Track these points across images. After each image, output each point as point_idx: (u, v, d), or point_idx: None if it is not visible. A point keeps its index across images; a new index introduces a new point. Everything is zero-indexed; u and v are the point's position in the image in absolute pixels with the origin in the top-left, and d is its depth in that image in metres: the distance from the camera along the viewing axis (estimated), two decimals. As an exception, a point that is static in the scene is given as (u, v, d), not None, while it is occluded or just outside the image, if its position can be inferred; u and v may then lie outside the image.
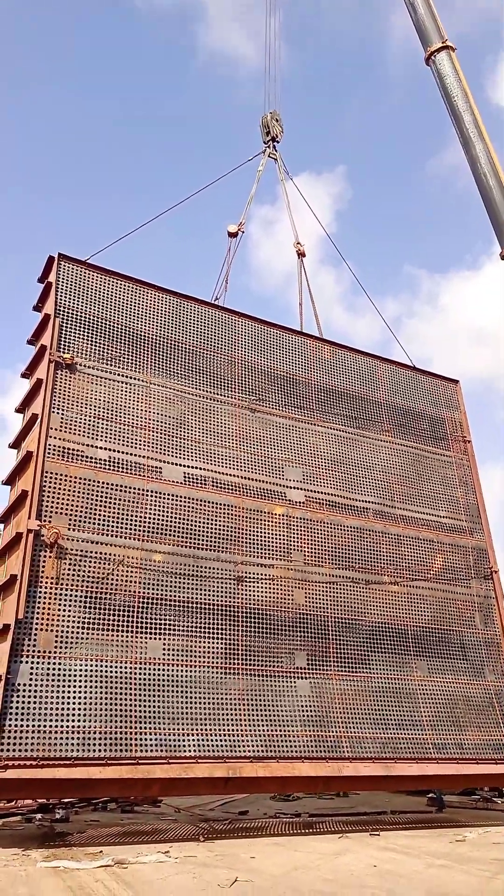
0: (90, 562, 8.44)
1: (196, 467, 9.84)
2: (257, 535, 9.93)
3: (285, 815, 9.88)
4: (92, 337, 9.72)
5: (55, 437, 8.79)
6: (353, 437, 11.77)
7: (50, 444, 8.69)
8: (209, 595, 9.16)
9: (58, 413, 8.97)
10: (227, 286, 12.41)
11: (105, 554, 8.59)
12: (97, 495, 8.83)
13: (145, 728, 7.95)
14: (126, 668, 8.18)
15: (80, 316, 9.75)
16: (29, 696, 7.40)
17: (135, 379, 9.88)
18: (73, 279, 9.95)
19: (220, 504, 9.80)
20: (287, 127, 14.92)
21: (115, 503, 8.92)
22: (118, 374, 9.75)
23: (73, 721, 7.54)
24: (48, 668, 7.67)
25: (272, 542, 10.03)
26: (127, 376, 9.82)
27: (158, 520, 9.18)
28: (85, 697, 7.74)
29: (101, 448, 9.12)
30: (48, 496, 8.44)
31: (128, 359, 9.92)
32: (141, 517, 9.05)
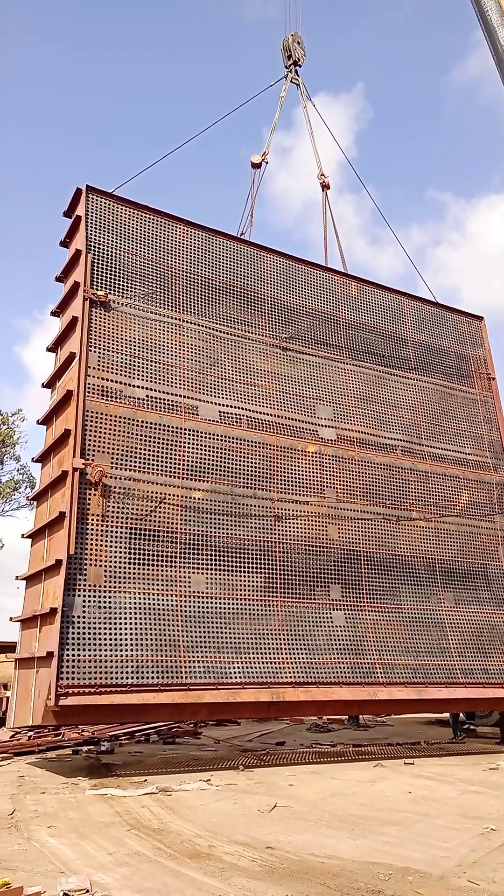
0: (133, 499, 8.57)
1: (231, 406, 9.87)
2: (292, 473, 10.06)
3: (322, 745, 10.35)
4: (123, 273, 9.58)
5: (94, 376, 8.78)
6: (381, 375, 11.77)
7: (89, 383, 8.69)
8: (248, 531, 9.34)
9: (95, 351, 8.93)
10: (253, 220, 12.13)
11: (147, 492, 8.72)
12: (137, 434, 8.89)
13: (193, 656, 8.25)
14: (172, 600, 8.43)
15: (111, 251, 9.57)
16: (84, 628, 7.65)
17: (167, 317, 9.79)
18: (101, 213, 9.72)
19: (256, 442, 9.88)
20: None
21: (154, 442, 8.99)
22: (151, 312, 9.65)
23: (126, 650, 7.82)
24: (100, 601, 7.90)
25: (306, 479, 10.16)
26: (159, 314, 9.73)
27: (196, 458, 9.27)
28: (136, 628, 8.00)
29: (138, 387, 9.12)
30: (90, 435, 8.50)
31: (159, 296, 9.81)
32: (179, 455, 9.14)
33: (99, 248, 9.48)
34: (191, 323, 9.97)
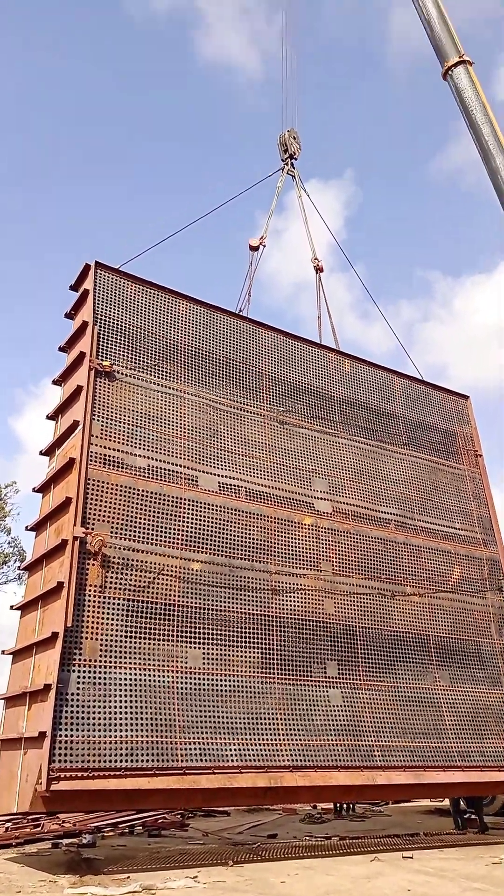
0: (132, 570, 8.42)
1: (230, 477, 9.89)
2: (288, 545, 10.01)
3: (316, 838, 9.88)
4: (127, 345, 9.74)
5: (96, 445, 8.77)
6: (373, 450, 11.95)
7: (92, 451, 8.67)
8: (245, 604, 9.19)
9: (98, 420, 8.95)
10: (250, 299, 12.53)
11: (145, 562, 8.58)
12: (137, 503, 8.82)
13: (189, 737, 7.93)
14: (169, 677, 8.17)
15: (116, 324, 9.76)
16: (78, 706, 7.33)
17: (169, 388, 9.91)
18: (108, 287, 9.95)
19: (253, 514, 9.86)
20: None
21: (154, 511, 8.92)
22: (153, 383, 9.77)
23: (120, 731, 7.49)
24: (95, 678, 7.62)
25: (302, 551, 10.12)
26: (161, 385, 9.85)
27: (195, 529, 9.20)
28: (131, 707, 7.70)
29: (139, 456, 9.12)
30: (91, 503, 8.41)
31: (161, 368, 9.95)
32: (179, 526, 9.06)
33: (105, 320, 9.66)
34: (192, 394, 10.10)
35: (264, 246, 13.21)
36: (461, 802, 11.12)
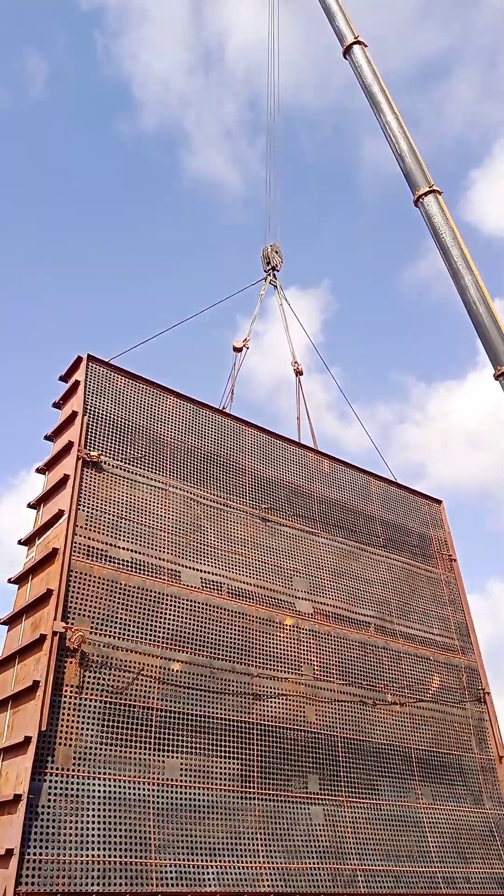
0: (111, 669, 8.02)
1: (212, 573, 9.71)
2: (270, 646, 9.73)
3: None
4: (115, 437, 9.76)
5: (81, 535, 8.58)
6: (353, 551, 11.95)
7: (76, 542, 8.46)
8: (225, 710, 8.78)
9: (83, 510, 8.80)
10: (234, 398, 12.82)
11: (125, 661, 8.20)
12: (119, 598, 8.54)
13: (165, 858, 7.31)
14: (145, 789, 7.62)
15: (105, 415, 9.82)
16: (49, 821, 6.75)
17: (154, 481, 9.88)
18: (98, 379, 10.09)
19: (235, 612, 9.62)
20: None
21: (136, 607, 8.64)
22: (139, 475, 9.73)
23: (92, 850, 6.87)
24: (67, 789, 7.06)
25: (284, 653, 9.83)
26: (147, 477, 9.81)
27: (177, 626, 8.90)
28: (104, 823, 7.12)
29: (123, 549, 8.93)
30: (73, 596, 8.11)
31: (148, 461, 9.96)
32: (161, 623, 8.76)
33: (94, 411, 9.72)
34: (176, 488, 10.07)
35: (248, 348, 13.71)
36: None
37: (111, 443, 9.66)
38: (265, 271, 15.46)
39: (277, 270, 15.51)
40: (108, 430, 9.74)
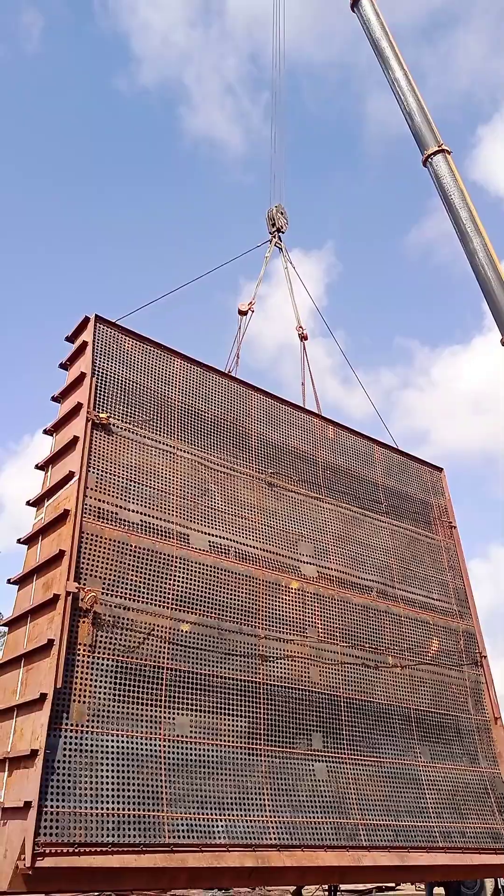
0: (121, 630, 8.10)
1: (220, 536, 9.76)
2: (276, 609, 9.85)
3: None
4: (123, 399, 9.68)
5: (91, 497, 8.57)
6: (356, 516, 12.03)
7: (87, 504, 8.45)
8: (232, 670, 8.92)
9: (93, 472, 8.78)
10: (239, 361, 12.73)
11: (135, 622, 8.28)
12: (129, 560, 8.58)
13: (176, 812, 7.49)
14: (156, 745, 7.76)
15: (112, 377, 9.72)
16: (65, 775, 6.87)
17: (162, 444, 9.84)
18: (106, 340, 9.96)
19: (242, 575, 9.71)
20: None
21: (146, 569, 8.69)
22: (147, 438, 9.69)
23: (107, 803, 7.02)
24: (81, 744, 7.18)
25: (289, 616, 9.96)
26: (155, 441, 9.77)
27: (186, 588, 8.98)
28: (118, 777, 7.26)
29: (133, 511, 8.93)
30: (85, 558, 8.14)
31: (156, 424, 9.91)
32: (170, 585, 8.83)
33: (102, 372, 9.62)
34: (184, 452, 10.05)
35: (253, 311, 13.55)
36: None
37: (119, 405, 9.59)
38: (270, 233, 15.20)
39: (283, 232, 15.26)
40: (117, 393, 9.65)
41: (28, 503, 9.50)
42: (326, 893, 11.47)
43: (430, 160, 13.75)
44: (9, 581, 9.05)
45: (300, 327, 14.33)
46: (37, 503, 9.42)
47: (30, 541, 9.10)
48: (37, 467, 9.72)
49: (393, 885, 13.46)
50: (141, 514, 9.01)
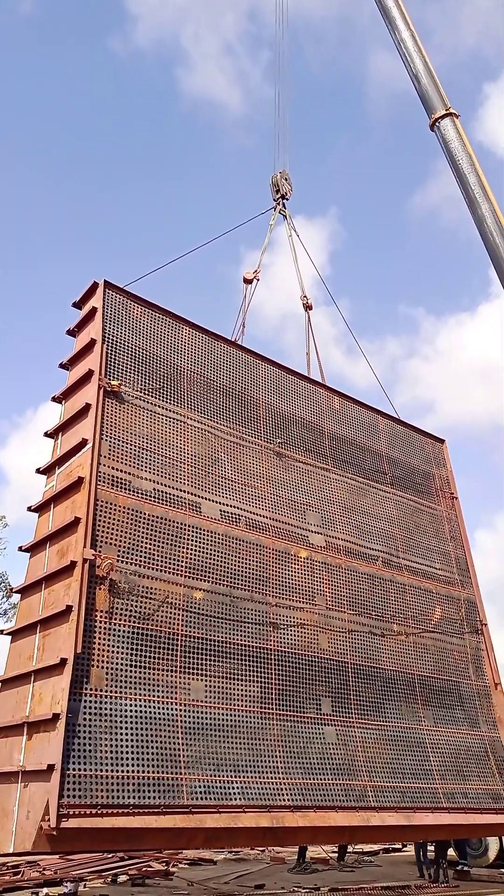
0: (137, 597, 8.12)
1: (231, 505, 9.77)
2: (285, 578, 9.92)
3: (304, 888, 9.54)
4: (133, 366, 9.57)
5: (105, 465, 8.51)
6: (361, 487, 12.09)
7: (101, 472, 8.40)
8: (245, 636, 9.00)
9: (106, 440, 8.71)
10: (245, 330, 12.61)
11: (151, 589, 8.30)
12: (143, 528, 8.57)
13: (194, 774, 7.59)
14: (173, 709, 7.84)
15: (122, 344, 9.60)
16: (86, 738, 6.92)
17: (173, 412, 9.77)
18: (115, 307, 9.81)
19: (253, 544, 9.74)
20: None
21: (159, 537, 8.68)
22: (158, 406, 9.61)
23: (127, 765, 7.10)
24: (101, 708, 7.22)
25: (298, 584, 10.04)
26: (166, 409, 9.70)
27: (199, 556, 9.00)
28: (137, 740, 7.33)
29: (146, 479, 8.90)
30: (100, 525, 8.11)
31: (165, 392, 9.82)
32: (183, 553, 8.84)
33: (111, 339, 9.49)
34: (194, 420, 9.99)
35: (258, 280, 13.41)
36: (448, 850, 11.02)
37: (129, 372, 9.48)
38: (275, 200, 14.95)
39: (287, 199, 15.02)
40: (126, 360, 9.54)
41: (38, 471, 9.42)
42: (336, 854, 11.77)
43: (437, 124, 13.41)
44: (20, 548, 9.01)
45: (304, 297, 14.20)
46: (47, 471, 9.34)
47: (41, 508, 9.04)
48: (46, 435, 9.61)
49: (399, 845, 13.88)
50: (153, 482, 8.97)
